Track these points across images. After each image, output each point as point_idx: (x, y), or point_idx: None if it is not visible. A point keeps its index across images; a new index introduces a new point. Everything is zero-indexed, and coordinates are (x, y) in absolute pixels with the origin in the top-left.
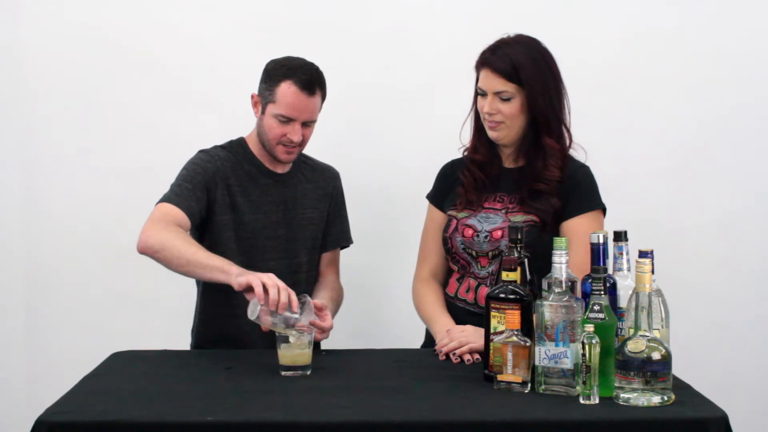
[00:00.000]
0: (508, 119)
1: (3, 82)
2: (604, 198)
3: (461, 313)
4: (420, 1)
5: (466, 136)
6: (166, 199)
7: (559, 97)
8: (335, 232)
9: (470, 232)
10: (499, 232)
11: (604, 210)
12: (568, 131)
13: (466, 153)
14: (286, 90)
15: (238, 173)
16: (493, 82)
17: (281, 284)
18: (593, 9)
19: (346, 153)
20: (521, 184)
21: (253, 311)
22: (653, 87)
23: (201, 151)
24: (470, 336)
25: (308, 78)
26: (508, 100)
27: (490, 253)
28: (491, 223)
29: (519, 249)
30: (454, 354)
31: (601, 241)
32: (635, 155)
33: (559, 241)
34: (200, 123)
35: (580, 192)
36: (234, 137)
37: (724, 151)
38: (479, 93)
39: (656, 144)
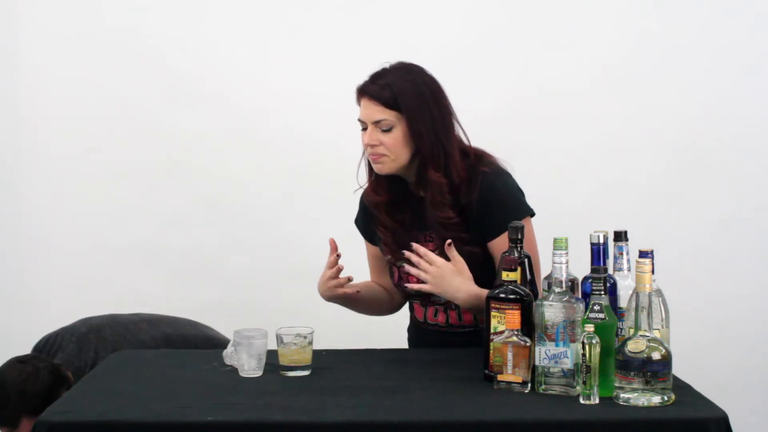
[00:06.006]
0: (391, 151)
1: (2, 81)
2: (606, 198)
3: (435, 335)
4: (420, 1)
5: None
6: None
7: (445, 128)
8: None
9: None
10: None
11: (531, 214)
12: (455, 165)
13: (366, 197)
14: None
15: None
16: (371, 110)
17: None
18: (592, 11)
19: (345, 153)
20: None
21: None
22: (653, 87)
23: None
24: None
25: (5, 414)
26: (389, 130)
27: None
28: None
29: (519, 249)
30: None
31: (601, 241)
32: (635, 155)
33: (559, 241)
34: (201, 123)
35: (493, 213)
36: (235, 137)
37: (724, 152)
38: (361, 128)
39: (657, 144)
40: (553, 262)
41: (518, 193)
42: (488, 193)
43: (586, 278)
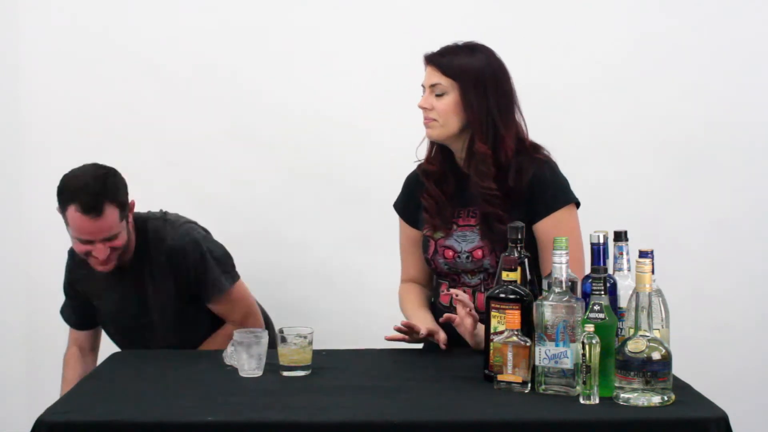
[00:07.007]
0: (441, 117)
1: (2, 81)
2: (607, 198)
3: None
4: (418, 2)
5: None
6: (64, 318)
7: (500, 109)
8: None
9: (451, 253)
10: (479, 252)
11: (577, 203)
12: (504, 146)
13: (419, 167)
14: (73, 215)
15: (93, 273)
16: (430, 75)
17: None
18: (593, 11)
19: (344, 153)
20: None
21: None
22: (654, 87)
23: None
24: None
25: (89, 200)
26: (441, 95)
27: (475, 269)
28: (469, 242)
29: (519, 249)
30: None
31: (601, 241)
32: (636, 155)
33: (559, 241)
34: (200, 123)
35: (544, 193)
36: (235, 137)
37: (724, 152)
38: (422, 93)
39: (657, 144)
40: (553, 262)
41: (567, 183)
42: (540, 177)
43: (586, 278)
